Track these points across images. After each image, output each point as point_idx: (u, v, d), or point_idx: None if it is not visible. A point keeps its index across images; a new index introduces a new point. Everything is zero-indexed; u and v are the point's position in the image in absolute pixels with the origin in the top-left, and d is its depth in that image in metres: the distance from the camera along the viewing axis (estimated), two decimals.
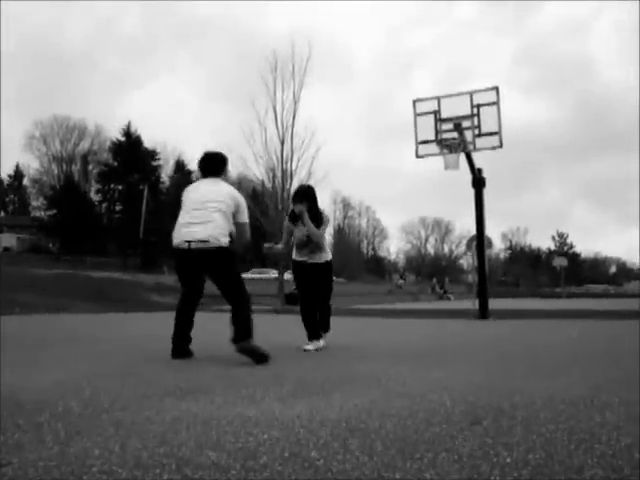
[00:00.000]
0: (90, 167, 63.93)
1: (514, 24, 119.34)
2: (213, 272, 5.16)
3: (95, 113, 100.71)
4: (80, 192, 58.00)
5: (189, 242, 5.05)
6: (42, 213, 61.07)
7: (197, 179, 5.50)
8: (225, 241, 5.04)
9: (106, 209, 60.17)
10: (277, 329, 10.58)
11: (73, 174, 63.23)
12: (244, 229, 5.31)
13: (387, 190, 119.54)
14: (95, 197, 60.38)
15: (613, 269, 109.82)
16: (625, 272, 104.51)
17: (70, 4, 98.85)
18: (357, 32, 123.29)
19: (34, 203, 67.80)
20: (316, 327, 6.06)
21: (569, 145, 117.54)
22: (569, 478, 1.65)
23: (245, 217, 5.31)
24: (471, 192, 13.31)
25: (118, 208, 59.12)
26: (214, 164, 5.41)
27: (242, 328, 4.95)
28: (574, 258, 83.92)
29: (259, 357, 4.74)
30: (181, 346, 5.10)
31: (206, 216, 5.07)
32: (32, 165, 65.30)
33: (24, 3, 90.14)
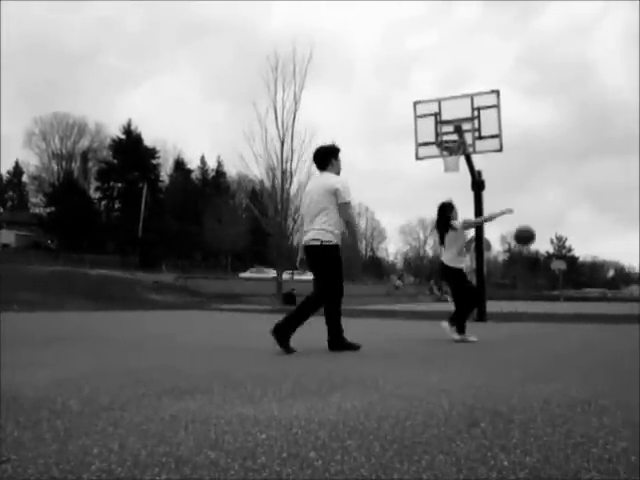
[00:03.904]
0: (90, 165, 63.86)
1: (516, 26, 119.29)
2: (314, 269, 5.73)
3: (95, 111, 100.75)
4: (79, 189, 57.96)
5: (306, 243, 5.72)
6: (41, 210, 60.98)
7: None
8: (325, 239, 5.58)
9: (105, 207, 60.25)
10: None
11: (73, 171, 63.15)
12: (343, 210, 5.66)
13: (386, 191, 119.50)
14: (94, 195, 60.38)
15: (611, 273, 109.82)
16: (623, 276, 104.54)
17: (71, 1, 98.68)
18: (357, 33, 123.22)
19: (33, 200, 67.77)
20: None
21: (568, 148, 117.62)
22: None
23: (344, 197, 5.63)
24: (470, 194, 13.33)
25: (117, 206, 59.19)
26: (317, 159, 5.93)
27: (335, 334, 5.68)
28: (572, 261, 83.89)
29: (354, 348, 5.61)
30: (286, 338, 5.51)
31: (310, 218, 5.71)
32: (31, 162, 65.24)
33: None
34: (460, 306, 7.28)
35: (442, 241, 7.47)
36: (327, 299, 5.66)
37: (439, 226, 7.49)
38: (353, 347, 5.62)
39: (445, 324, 7.35)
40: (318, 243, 5.61)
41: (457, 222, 7.36)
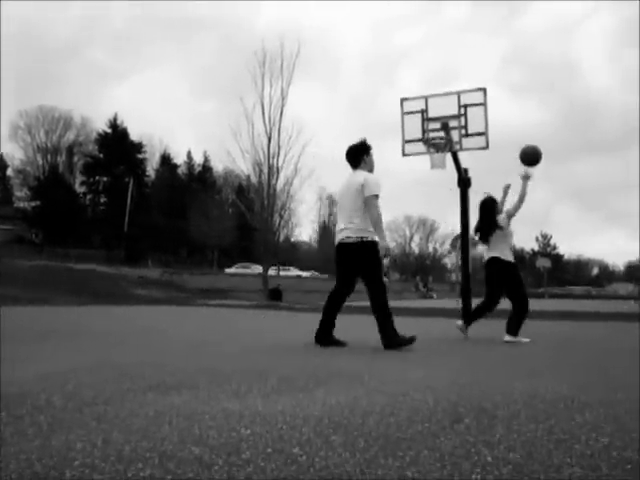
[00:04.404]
0: (75, 159, 63.37)
1: (504, 25, 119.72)
2: (351, 268, 5.78)
3: (81, 104, 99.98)
4: (65, 184, 57.56)
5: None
6: (26, 204, 60.44)
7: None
8: (361, 236, 5.61)
9: (90, 201, 59.88)
10: (264, 324, 10.57)
11: (58, 165, 62.63)
12: (368, 204, 5.65)
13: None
14: (80, 189, 59.98)
15: (595, 271, 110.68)
16: (607, 274, 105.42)
17: None
18: (345, 30, 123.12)
19: (18, 194, 67.08)
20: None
21: (553, 146, 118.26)
22: (548, 476, 1.67)
23: (369, 191, 5.63)
24: (456, 191, 13.36)
25: (103, 200, 58.85)
26: (348, 157, 5.96)
27: (385, 333, 5.55)
28: (557, 259, 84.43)
29: (407, 342, 5.48)
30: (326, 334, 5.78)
31: (345, 218, 5.74)
32: (16, 155, 64.55)
33: None
34: (522, 305, 6.92)
35: (487, 240, 7.02)
36: (380, 293, 5.67)
37: (486, 227, 7.04)
38: (409, 342, 5.52)
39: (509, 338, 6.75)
40: (352, 241, 5.63)
41: (502, 218, 6.99)
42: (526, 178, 6.89)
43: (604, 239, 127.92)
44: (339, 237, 5.76)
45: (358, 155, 5.89)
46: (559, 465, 1.77)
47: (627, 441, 2.04)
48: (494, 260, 6.98)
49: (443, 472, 1.70)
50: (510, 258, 6.98)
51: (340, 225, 5.81)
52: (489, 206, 7.10)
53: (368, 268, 5.65)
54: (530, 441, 2.05)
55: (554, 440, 2.06)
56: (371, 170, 5.89)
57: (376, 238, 5.64)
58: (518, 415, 2.48)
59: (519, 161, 6.94)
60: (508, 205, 7.17)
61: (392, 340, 5.50)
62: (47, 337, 6.54)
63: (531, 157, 6.89)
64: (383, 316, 5.58)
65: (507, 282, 6.98)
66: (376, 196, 5.63)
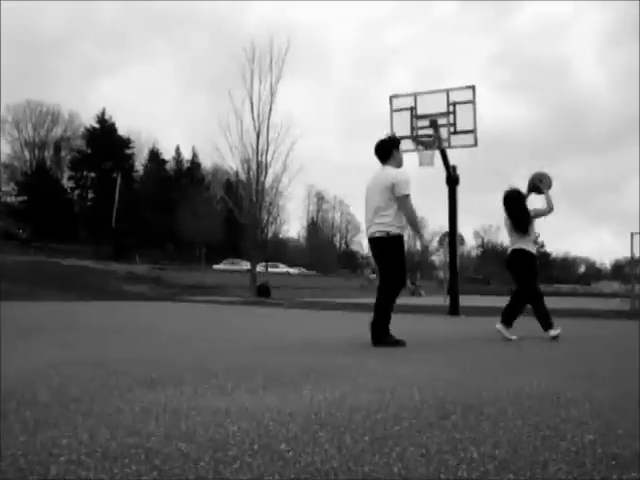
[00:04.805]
0: (63, 154, 62.92)
1: (493, 23, 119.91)
2: (378, 261, 5.87)
3: (69, 99, 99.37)
4: (52, 179, 57.21)
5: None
6: (13, 199, 60.01)
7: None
8: (388, 230, 5.67)
9: (78, 196, 59.53)
10: (251, 321, 10.57)
11: (45, 160, 62.18)
12: (401, 204, 5.69)
13: (361, 185, 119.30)
14: (67, 184, 59.62)
15: (582, 269, 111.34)
16: (593, 272, 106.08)
17: None
18: (335, 28, 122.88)
19: (4, 188, 66.57)
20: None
21: (542, 145, 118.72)
22: (534, 473, 1.67)
23: (400, 191, 5.66)
24: (445, 189, 13.40)
25: (90, 196, 58.55)
26: (378, 152, 5.98)
27: (379, 331, 5.58)
28: (544, 257, 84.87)
29: (398, 344, 5.48)
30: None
31: (372, 213, 5.77)
32: (3, 150, 64.00)
33: None
34: (530, 299, 6.96)
35: (527, 230, 6.99)
36: (391, 287, 5.74)
37: (524, 217, 7.01)
38: (398, 344, 5.53)
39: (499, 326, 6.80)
40: (379, 235, 5.71)
41: (531, 211, 7.10)
42: (549, 187, 7.15)
43: (591, 237, 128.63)
44: (368, 233, 5.87)
45: (389, 149, 5.94)
46: (545, 461, 1.78)
47: (612, 438, 2.06)
48: (519, 252, 7.01)
49: (429, 468, 1.70)
50: (534, 251, 7.10)
51: (368, 220, 5.89)
52: (516, 198, 7.12)
53: (386, 261, 5.74)
54: (516, 438, 2.06)
55: (540, 437, 2.07)
56: (399, 165, 5.95)
57: (401, 232, 5.77)
58: (504, 412, 2.49)
59: (535, 186, 7.23)
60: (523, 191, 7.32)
61: (382, 339, 5.53)
62: (34, 333, 6.50)
63: (538, 178, 7.20)
64: (383, 313, 5.64)
65: (526, 273, 7.02)
66: (407, 195, 5.68)
